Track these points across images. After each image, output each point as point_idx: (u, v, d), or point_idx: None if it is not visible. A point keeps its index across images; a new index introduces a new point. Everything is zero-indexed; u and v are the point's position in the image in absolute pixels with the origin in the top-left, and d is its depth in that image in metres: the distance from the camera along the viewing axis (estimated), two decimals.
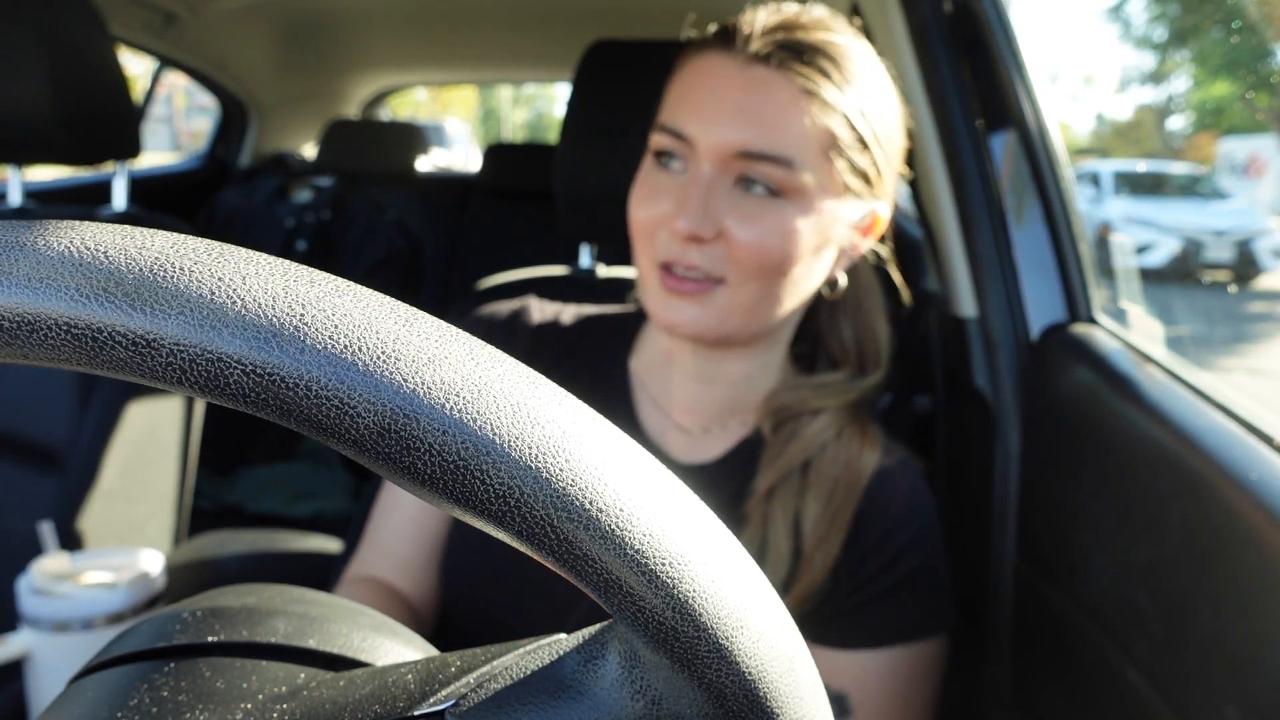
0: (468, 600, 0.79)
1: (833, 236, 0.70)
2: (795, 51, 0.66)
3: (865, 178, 0.70)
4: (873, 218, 0.74)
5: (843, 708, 0.71)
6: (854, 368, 0.78)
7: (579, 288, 1.07)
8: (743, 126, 0.66)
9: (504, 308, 0.86)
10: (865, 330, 0.78)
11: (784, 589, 0.71)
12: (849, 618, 0.72)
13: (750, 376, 0.77)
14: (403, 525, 0.81)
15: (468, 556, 0.79)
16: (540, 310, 0.86)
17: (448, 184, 2.54)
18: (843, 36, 0.69)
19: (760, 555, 0.71)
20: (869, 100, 0.69)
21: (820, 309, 0.79)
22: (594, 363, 0.82)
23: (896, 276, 0.82)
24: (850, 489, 0.72)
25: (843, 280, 0.76)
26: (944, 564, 0.75)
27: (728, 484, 0.75)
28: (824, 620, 0.72)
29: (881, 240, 0.78)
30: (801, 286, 0.71)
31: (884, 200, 0.73)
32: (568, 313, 0.86)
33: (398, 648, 0.32)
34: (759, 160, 0.66)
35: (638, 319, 0.84)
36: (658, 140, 0.71)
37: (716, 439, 0.77)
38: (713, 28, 0.72)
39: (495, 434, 0.20)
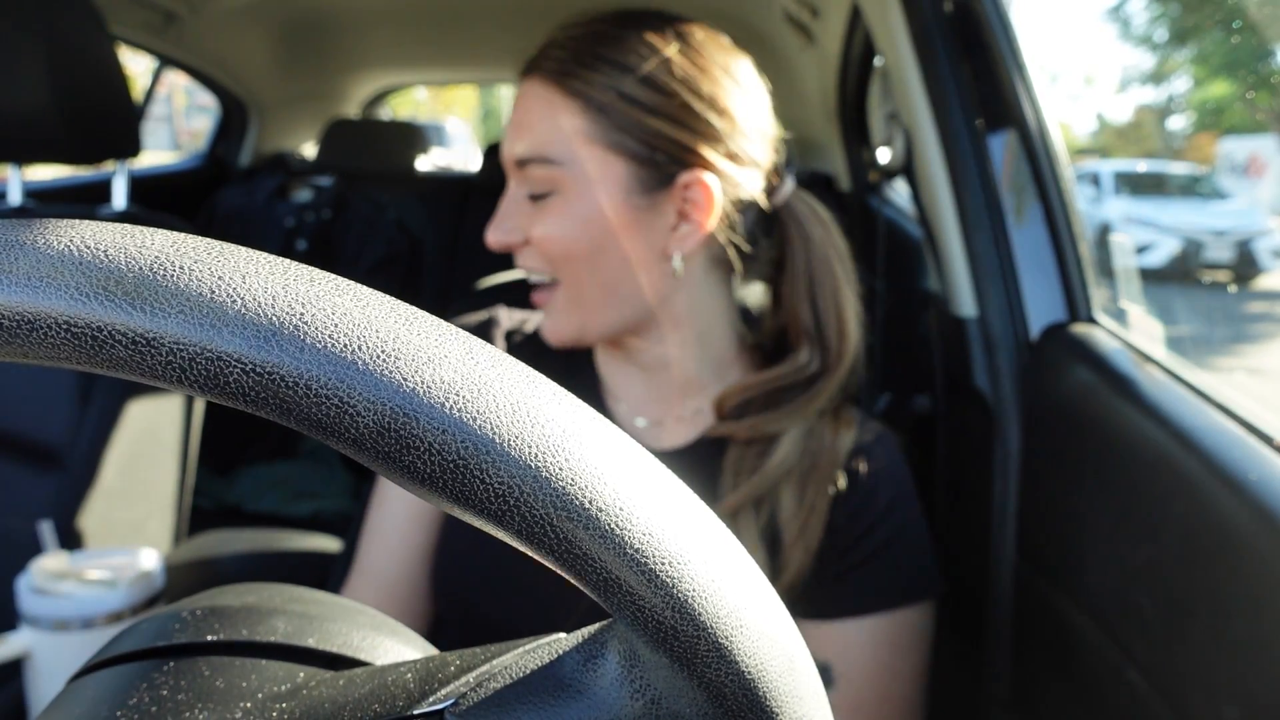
0: (466, 602, 0.79)
1: (624, 214, 0.70)
2: (551, 55, 0.72)
3: (650, 146, 0.69)
4: (699, 187, 0.70)
5: (827, 678, 0.71)
6: (813, 350, 0.75)
7: None
8: (512, 139, 0.72)
9: (473, 318, 0.88)
10: (827, 310, 0.75)
11: (770, 583, 0.70)
12: (829, 588, 0.72)
13: (684, 358, 0.77)
14: (391, 544, 0.82)
15: (463, 560, 0.79)
16: (509, 317, 0.88)
17: (448, 184, 2.54)
18: (608, 24, 0.71)
19: None
20: (634, 71, 0.68)
21: (780, 293, 0.79)
22: (563, 364, 0.83)
23: (733, 255, 0.76)
24: (828, 471, 0.73)
25: (678, 262, 0.72)
26: (922, 532, 0.75)
27: (698, 471, 0.75)
28: (804, 593, 0.72)
29: (750, 210, 0.75)
30: (619, 268, 0.71)
31: (710, 169, 0.70)
32: (535, 319, 0.88)
33: (397, 647, 0.32)
34: (527, 165, 0.71)
35: None
36: None
37: (685, 426, 0.78)
38: None
39: (495, 433, 0.20)
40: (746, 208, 0.75)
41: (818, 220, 0.77)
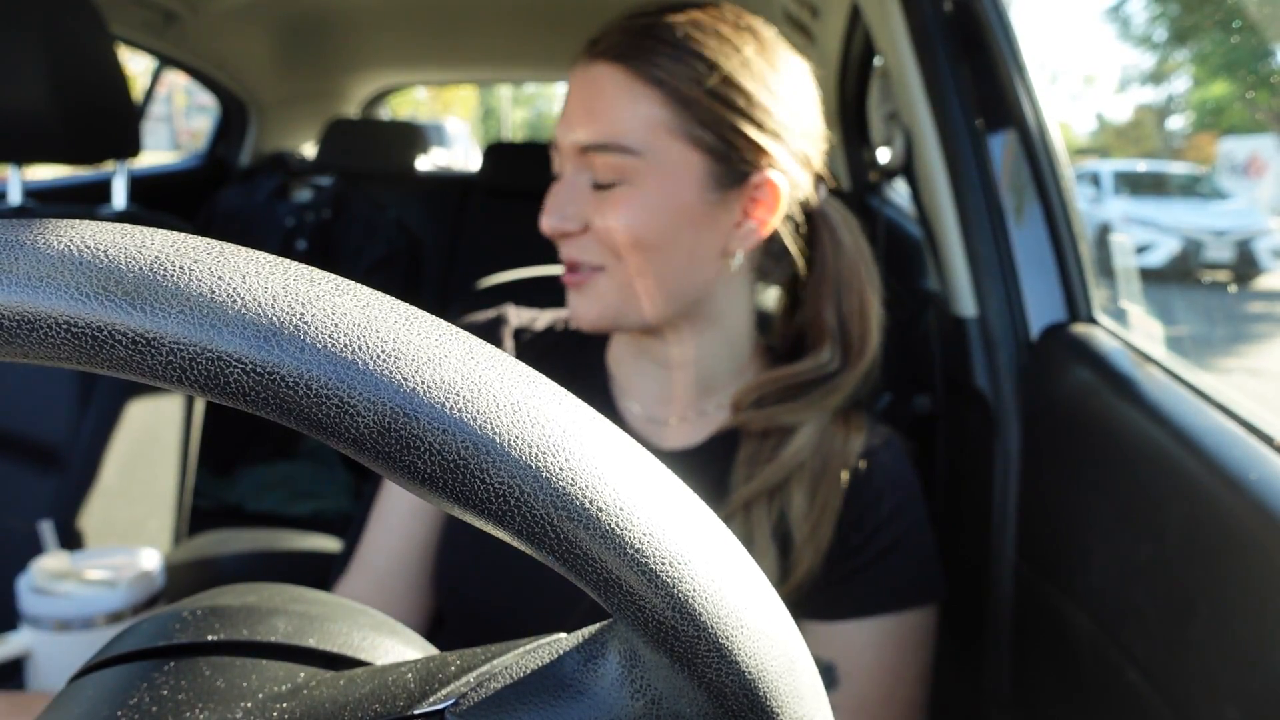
0: (468, 599, 0.79)
1: (696, 209, 0.70)
2: (625, 41, 0.69)
3: (729, 143, 0.69)
4: (768, 187, 0.71)
5: (831, 678, 0.71)
6: (835, 349, 0.76)
7: None
8: (580, 124, 0.70)
9: (481, 316, 0.87)
10: (851, 312, 0.76)
11: (780, 583, 0.71)
12: (835, 589, 0.72)
13: (707, 357, 0.77)
14: (392, 539, 0.82)
15: (464, 559, 0.79)
16: (517, 316, 0.87)
17: (448, 183, 2.54)
18: (686, 14, 0.70)
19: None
20: (719, 67, 0.68)
21: (805, 291, 0.78)
22: (572, 362, 0.83)
23: (793, 248, 0.77)
24: (840, 471, 0.73)
25: (739, 259, 0.74)
26: (928, 535, 0.75)
27: (709, 470, 0.75)
28: (810, 594, 0.72)
29: (806, 208, 0.76)
30: (681, 262, 0.71)
31: (777, 169, 0.71)
32: (544, 317, 0.88)
33: (398, 647, 0.32)
34: (598, 151, 0.69)
35: None
36: (552, 154, 0.74)
37: (695, 426, 0.78)
38: None
39: (495, 433, 0.20)
40: (800, 207, 0.76)
41: (848, 226, 0.78)
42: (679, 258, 0.71)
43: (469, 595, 0.79)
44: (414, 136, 2.60)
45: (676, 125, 0.68)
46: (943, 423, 1.11)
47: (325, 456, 2.23)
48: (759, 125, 0.70)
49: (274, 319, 0.19)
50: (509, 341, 0.84)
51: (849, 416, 0.76)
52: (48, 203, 1.31)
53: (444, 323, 0.21)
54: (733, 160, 0.70)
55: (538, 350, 0.84)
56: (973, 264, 0.97)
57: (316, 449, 2.26)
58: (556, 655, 0.25)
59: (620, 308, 0.72)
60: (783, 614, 0.23)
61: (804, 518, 0.72)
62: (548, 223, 0.70)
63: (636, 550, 0.20)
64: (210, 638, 0.30)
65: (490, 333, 0.85)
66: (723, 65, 0.69)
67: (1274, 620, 0.54)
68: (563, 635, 0.26)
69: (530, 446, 0.20)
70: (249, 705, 0.27)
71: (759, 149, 0.70)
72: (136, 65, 3.18)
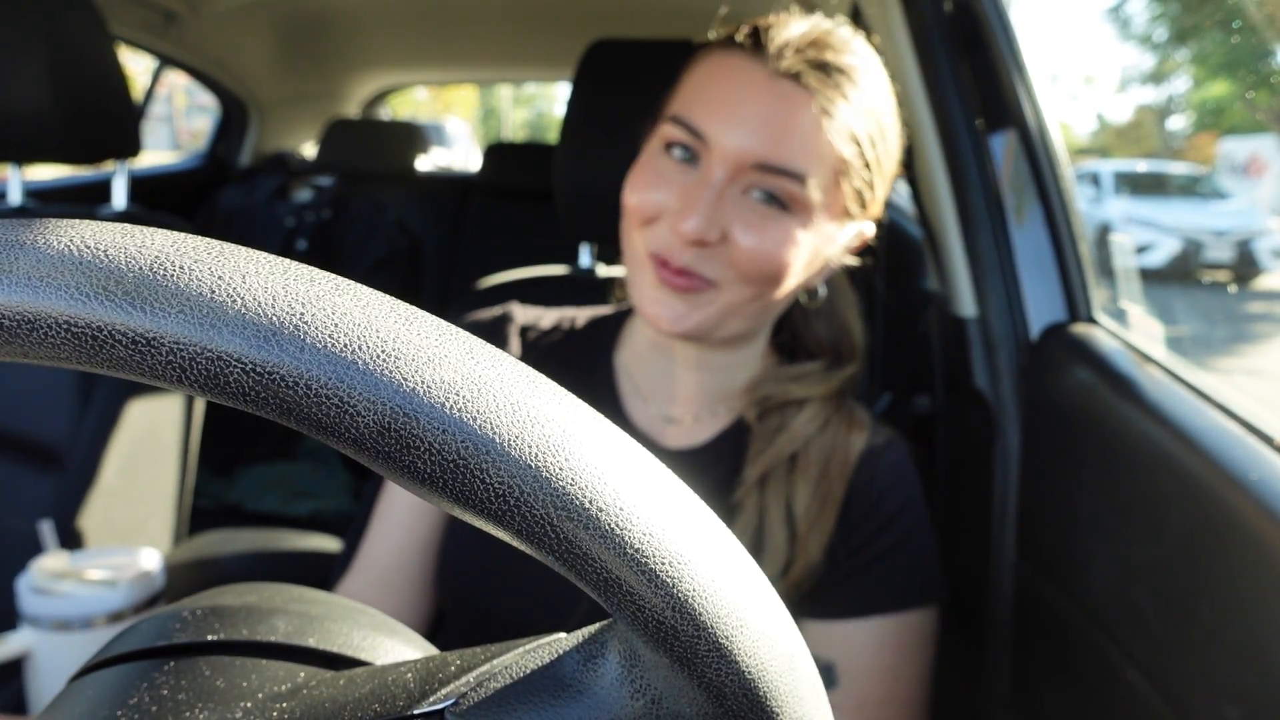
0: (469, 599, 0.80)
1: (824, 253, 0.72)
2: (824, 72, 0.67)
3: (863, 201, 0.72)
4: (860, 238, 0.76)
5: (830, 677, 0.71)
6: (830, 360, 0.80)
7: (579, 287, 1.07)
8: (764, 138, 0.65)
9: (487, 314, 0.87)
10: (839, 330, 0.80)
11: (782, 573, 0.71)
12: (836, 588, 0.73)
13: (735, 365, 0.78)
14: (393, 538, 0.82)
15: (466, 558, 0.79)
16: (523, 314, 0.87)
17: (448, 183, 2.54)
18: (863, 59, 0.70)
19: (757, 543, 0.72)
20: (880, 125, 0.70)
21: (794, 309, 0.81)
22: (579, 359, 0.83)
23: (880, 285, 0.84)
24: (841, 468, 0.74)
25: (822, 291, 0.78)
26: (929, 537, 0.76)
27: (718, 467, 0.76)
28: (811, 594, 0.73)
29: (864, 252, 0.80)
30: (788, 294, 0.72)
31: (871, 220, 0.76)
32: (550, 315, 0.88)
33: (398, 647, 0.32)
34: (774, 174, 0.66)
35: (621, 315, 0.86)
36: (671, 132, 0.69)
37: (704, 425, 0.79)
38: (744, 30, 0.70)
39: (495, 433, 0.20)
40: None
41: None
42: (790, 290, 0.71)
43: (470, 595, 0.79)
44: (414, 137, 2.60)
45: (846, 174, 0.69)
46: (943, 423, 1.11)
47: (325, 456, 2.23)
48: (885, 182, 0.73)
49: (274, 319, 0.19)
50: (515, 339, 0.84)
51: (852, 413, 0.77)
52: (48, 203, 1.31)
53: (444, 323, 0.21)
54: (862, 211, 0.72)
55: (544, 348, 0.84)
56: (973, 264, 0.98)
57: (316, 449, 2.26)
58: (556, 655, 0.25)
59: (721, 323, 0.71)
60: (783, 614, 0.23)
61: (807, 509, 0.72)
62: (694, 228, 0.65)
63: (636, 550, 0.20)
64: (210, 638, 0.30)
65: (496, 330, 0.85)
66: (884, 120, 0.71)
67: (1274, 620, 0.54)
68: (563, 635, 0.26)
69: (530, 446, 0.20)
70: (249, 705, 0.27)
71: (876, 203, 0.73)
72: (136, 65, 3.18)
